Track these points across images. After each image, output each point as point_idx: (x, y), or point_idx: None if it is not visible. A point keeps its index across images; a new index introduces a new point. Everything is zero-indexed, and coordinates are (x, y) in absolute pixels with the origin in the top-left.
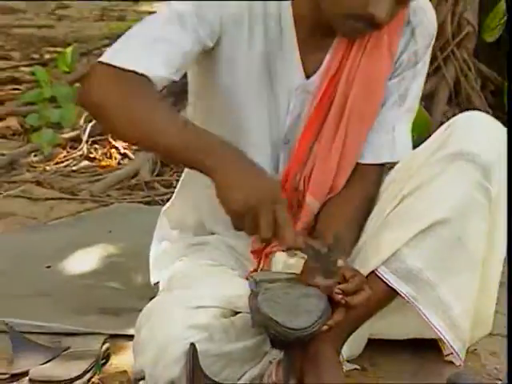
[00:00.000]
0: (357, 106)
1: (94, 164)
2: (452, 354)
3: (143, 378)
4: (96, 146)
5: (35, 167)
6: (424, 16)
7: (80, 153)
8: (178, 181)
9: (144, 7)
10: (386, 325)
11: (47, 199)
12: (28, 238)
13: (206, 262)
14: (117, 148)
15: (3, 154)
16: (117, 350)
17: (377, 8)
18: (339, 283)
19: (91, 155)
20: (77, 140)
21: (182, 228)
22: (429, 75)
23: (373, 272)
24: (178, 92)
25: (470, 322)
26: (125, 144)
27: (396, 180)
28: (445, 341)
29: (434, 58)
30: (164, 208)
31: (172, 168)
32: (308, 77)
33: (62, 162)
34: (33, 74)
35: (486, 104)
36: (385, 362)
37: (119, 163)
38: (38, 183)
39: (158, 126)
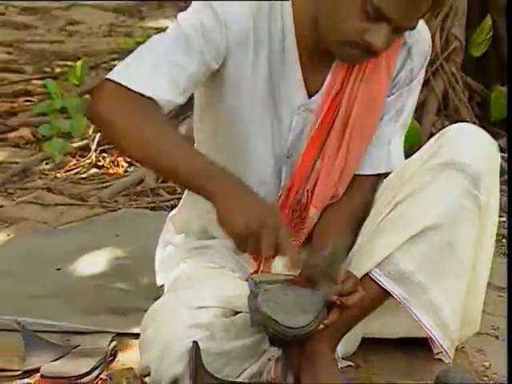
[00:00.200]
0: (358, 124)
1: (102, 171)
2: (441, 352)
3: (149, 374)
4: (104, 154)
5: (46, 175)
6: (420, 36)
7: (89, 161)
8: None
9: (150, 23)
10: (379, 324)
11: (58, 205)
12: (39, 242)
13: (207, 265)
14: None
15: (16, 162)
16: (124, 347)
17: (374, 36)
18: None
19: (99, 163)
20: (86, 149)
21: (186, 233)
22: None
23: (367, 274)
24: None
25: (458, 322)
26: None
27: (389, 187)
28: (435, 340)
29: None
30: (170, 214)
31: None
32: (310, 96)
33: (72, 169)
34: (44, 86)
35: (473, 115)
36: (378, 359)
37: (126, 171)
38: (49, 190)
39: (162, 148)
